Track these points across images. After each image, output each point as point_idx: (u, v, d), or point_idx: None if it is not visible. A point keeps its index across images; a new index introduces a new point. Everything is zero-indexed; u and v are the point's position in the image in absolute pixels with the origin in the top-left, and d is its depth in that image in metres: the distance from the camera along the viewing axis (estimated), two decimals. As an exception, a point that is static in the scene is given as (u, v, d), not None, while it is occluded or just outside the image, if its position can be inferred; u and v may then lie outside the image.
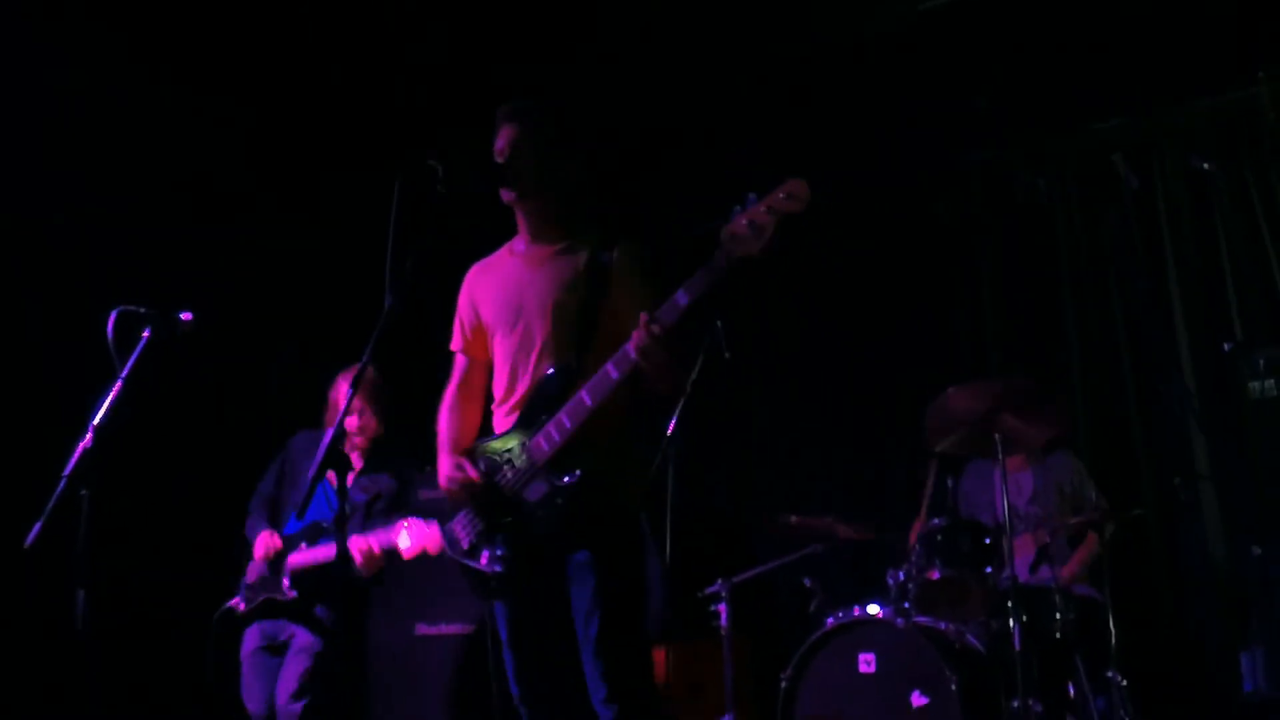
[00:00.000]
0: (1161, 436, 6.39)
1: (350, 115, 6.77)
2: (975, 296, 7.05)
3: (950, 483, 5.79)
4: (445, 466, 3.64)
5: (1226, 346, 5.94)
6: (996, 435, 5.12)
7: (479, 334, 3.78)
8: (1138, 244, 6.60)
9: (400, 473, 5.44)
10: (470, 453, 3.65)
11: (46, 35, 5.80)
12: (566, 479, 3.39)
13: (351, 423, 5.32)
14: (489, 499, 3.53)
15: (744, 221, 3.20)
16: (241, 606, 5.20)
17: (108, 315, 3.98)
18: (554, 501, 3.41)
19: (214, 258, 6.54)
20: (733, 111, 6.90)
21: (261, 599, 5.15)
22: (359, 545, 5.00)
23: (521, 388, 3.58)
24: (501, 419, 3.65)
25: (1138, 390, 6.48)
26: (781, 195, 3.19)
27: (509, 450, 3.52)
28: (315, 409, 5.45)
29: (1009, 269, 6.97)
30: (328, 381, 5.44)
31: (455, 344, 3.86)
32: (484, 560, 3.49)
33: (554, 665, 3.50)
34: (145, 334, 4.08)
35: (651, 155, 7.13)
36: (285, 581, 5.10)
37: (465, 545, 3.55)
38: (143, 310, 4.10)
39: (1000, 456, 5.11)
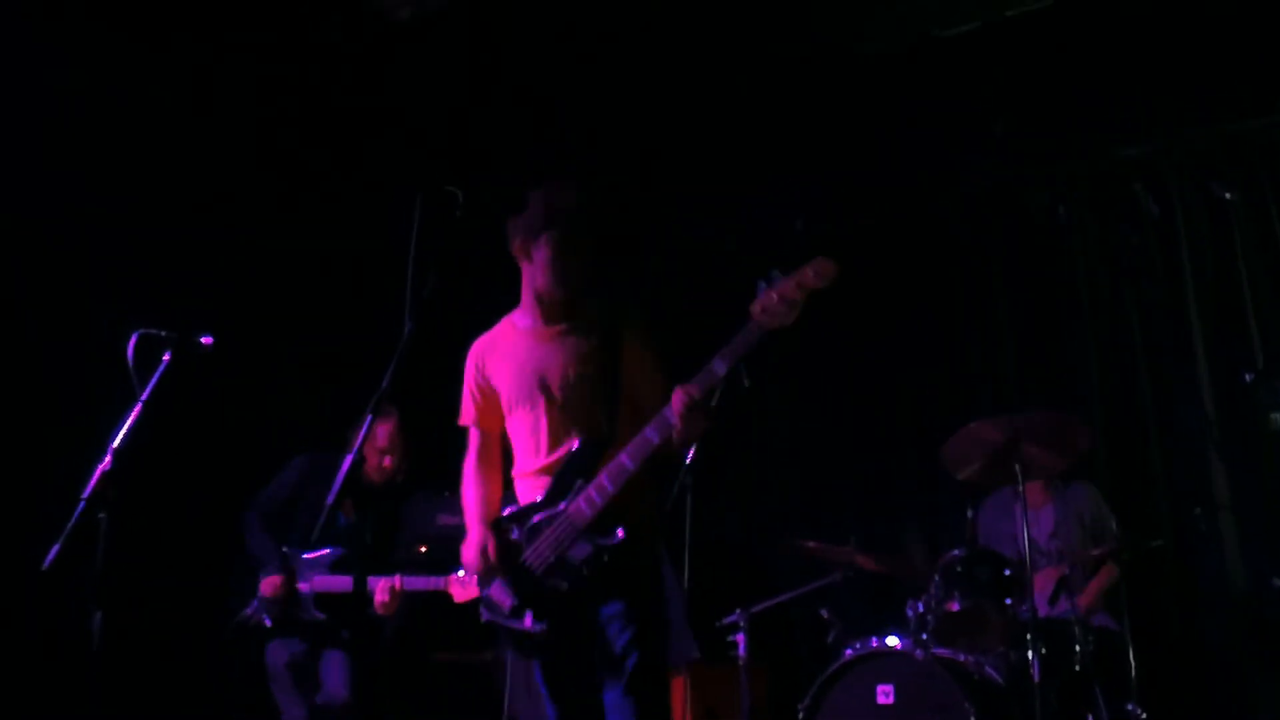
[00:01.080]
0: (1181, 466, 6.35)
1: (355, 122, 6.79)
2: (992, 321, 7.02)
3: (970, 514, 5.77)
4: (474, 546, 3.72)
5: (1247, 376, 5.92)
6: (1017, 466, 5.09)
7: (493, 408, 3.88)
8: (1157, 271, 6.57)
9: (396, 508, 5.49)
10: (499, 524, 3.73)
11: (47, 35, 5.81)
12: (611, 540, 3.51)
13: (389, 462, 5.49)
14: (526, 573, 3.62)
15: (775, 298, 3.36)
16: (267, 621, 5.24)
17: (124, 333, 3.99)
18: (600, 560, 3.52)
19: (223, 270, 6.54)
20: (746, 132, 6.90)
21: (282, 613, 5.23)
22: (385, 584, 5.09)
23: (547, 458, 3.69)
24: (529, 488, 3.75)
25: (1157, 419, 6.44)
26: (810, 273, 3.39)
27: (544, 517, 3.62)
28: (328, 426, 5.46)
29: (1027, 294, 6.94)
30: (339, 398, 5.45)
31: (467, 418, 3.95)
32: (529, 622, 3.58)
33: (593, 711, 3.57)
34: (166, 357, 4.10)
35: (666, 177, 7.13)
36: (311, 605, 5.23)
37: (507, 608, 3.63)
38: (163, 333, 4.12)
39: (1021, 486, 5.08)
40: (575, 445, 3.63)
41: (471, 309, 4.13)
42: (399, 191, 3.49)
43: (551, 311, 3.79)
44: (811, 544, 5.76)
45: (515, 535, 3.67)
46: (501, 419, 3.87)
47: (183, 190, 6.46)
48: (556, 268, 3.71)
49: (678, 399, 3.41)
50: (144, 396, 3.98)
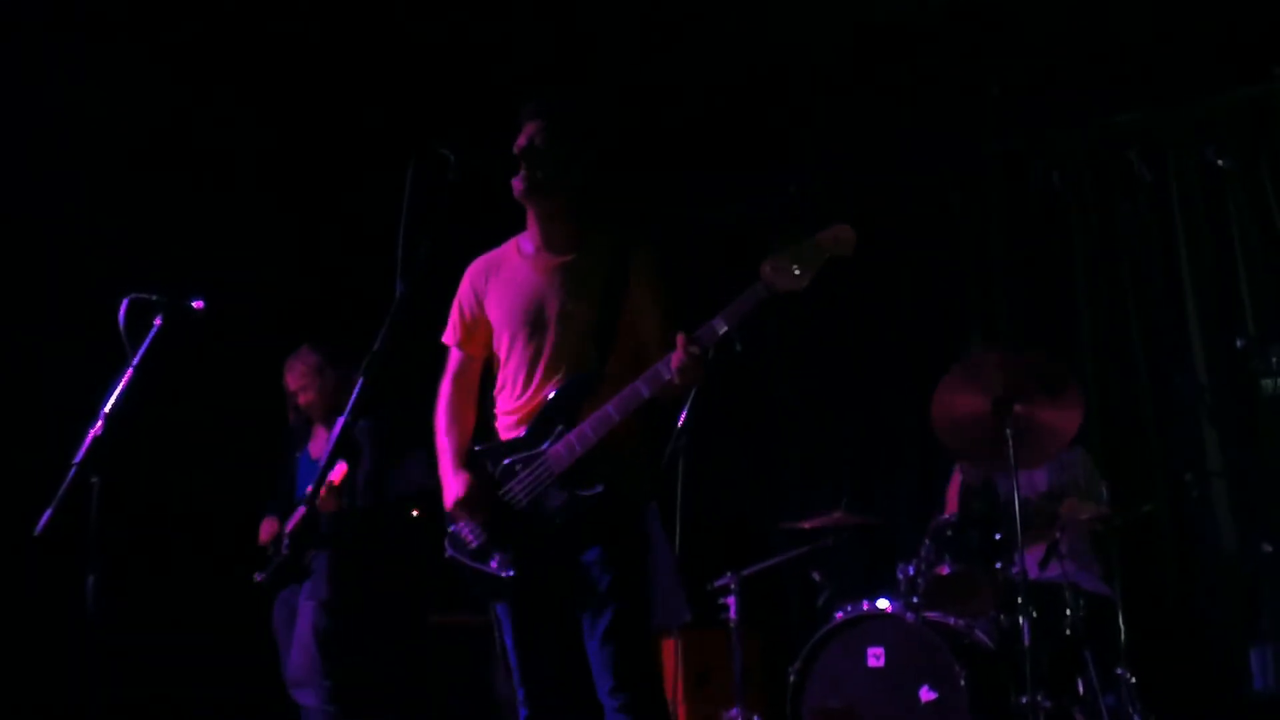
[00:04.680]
0: (1173, 432, 6.37)
1: (359, 106, 6.77)
2: (988, 289, 7.03)
3: (961, 478, 5.77)
4: (455, 485, 3.57)
5: (1240, 343, 5.93)
6: (1008, 430, 5.00)
7: (480, 330, 3.71)
8: (1152, 238, 6.58)
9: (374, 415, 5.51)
10: (475, 458, 3.59)
11: (44, 26, 5.80)
12: (590, 492, 3.37)
13: (304, 399, 5.62)
14: (498, 514, 3.50)
15: (789, 258, 3.26)
16: (257, 576, 5.36)
17: (117, 301, 3.97)
18: (575, 511, 3.39)
19: (219, 244, 6.53)
20: (743, 101, 6.88)
21: (271, 568, 5.32)
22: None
23: (533, 394, 3.53)
24: (510, 425, 3.60)
25: (1150, 385, 6.46)
26: (829, 238, 3.27)
27: (521, 458, 3.49)
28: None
29: (1022, 262, 6.95)
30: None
31: (451, 337, 3.78)
32: (495, 564, 3.45)
33: (558, 664, 3.49)
34: (157, 322, 4.09)
35: (661, 145, 7.11)
36: (285, 543, 5.32)
37: (474, 546, 3.50)
38: (154, 298, 4.10)
39: (1012, 454, 5.03)
40: (559, 384, 3.48)
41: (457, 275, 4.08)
42: (394, 152, 3.45)
43: (553, 231, 3.62)
44: (805, 524, 5.78)
45: (490, 470, 3.53)
46: (485, 345, 3.70)
47: (174, 152, 6.44)
48: (538, 145, 3.52)
49: (677, 357, 3.26)
50: (135, 361, 3.97)
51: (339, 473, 5.10)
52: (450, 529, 3.58)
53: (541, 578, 3.45)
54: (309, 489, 5.04)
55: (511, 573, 3.42)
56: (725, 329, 3.28)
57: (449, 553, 3.58)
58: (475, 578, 3.53)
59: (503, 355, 3.65)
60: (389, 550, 5.48)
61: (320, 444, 5.60)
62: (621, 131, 6.31)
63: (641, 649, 3.45)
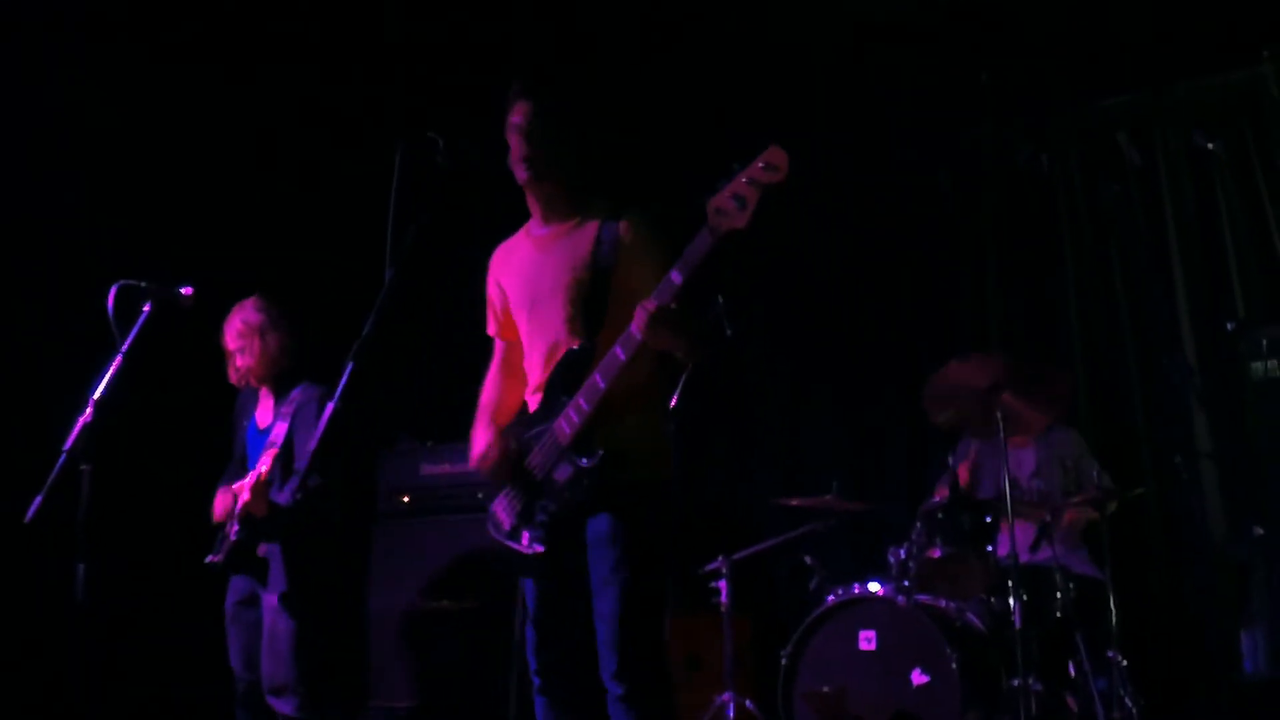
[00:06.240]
0: (1163, 415, 6.38)
1: (360, 106, 6.76)
2: (977, 272, 7.04)
3: (951, 461, 5.78)
4: (479, 442, 3.66)
5: (1229, 325, 5.94)
6: (998, 413, 5.07)
7: (509, 316, 3.78)
8: (1140, 221, 6.58)
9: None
10: (504, 435, 3.66)
11: (44, 26, 5.79)
12: (587, 461, 3.39)
13: (242, 362, 5.15)
14: (520, 479, 3.55)
15: (728, 194, 3.18)
16: (214, 559, 4.99)
17: (107, 289, 3.97)
18: (580, 483, 3.42)
19: (217, 239, 6.52)
20: (737, 87, 6.86)
21: (224, 549, 4.95)
22: (252, 477, 4.79)
23: (542, 368, 3.59)
24: (531, 403, 3.66)
25: (1139, 368, 6.47)
26: (760, 166, 3.17)
27: (535, 432, 3.54)
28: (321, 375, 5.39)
29: (1011, 245, 6.96)
30: (328, 347, 5.35)
31: (490, 329, 3.86)
32: (525, 541, 3.49)
33: (574, 641, 3.52)
34: (146, 308, 4.08)
35: (655, 130, 7.10)
36: (234, 526, 4.90)
37: (507, 527, 3.57)
38: (143, 285, 4.10)
39: (1002, 434, 5.07)
40: (559, 357, 3.53)
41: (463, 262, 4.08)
42: (383, 137, 3.45)
43: (552, 209, 3.66)
44: (794, 502, 5.79)
45: (514, 447, 3.60)
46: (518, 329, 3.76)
47: (163, 140, 6.42)
48: (531, 126, 3.55)
49: (636, 316, 3.27)
50: (124, 348, 3.97)
51: (266, 463, 4.74)
52: (490, 509, 3.65)
53: (562, 554, 3.48)
54: (246, 481, 4.85)
55: (540, 548, 3.46)
56: (681, 279, 3.25)
57: (491, 534, 3.64)
58: (511, 557, 3.58)
59: (521, 334, 3.72)
60: (342, 533, 5.25)
61: (266, 412, 5.20)
62: (620, 130, 6.34)
63: (649, 632, 3.45)
